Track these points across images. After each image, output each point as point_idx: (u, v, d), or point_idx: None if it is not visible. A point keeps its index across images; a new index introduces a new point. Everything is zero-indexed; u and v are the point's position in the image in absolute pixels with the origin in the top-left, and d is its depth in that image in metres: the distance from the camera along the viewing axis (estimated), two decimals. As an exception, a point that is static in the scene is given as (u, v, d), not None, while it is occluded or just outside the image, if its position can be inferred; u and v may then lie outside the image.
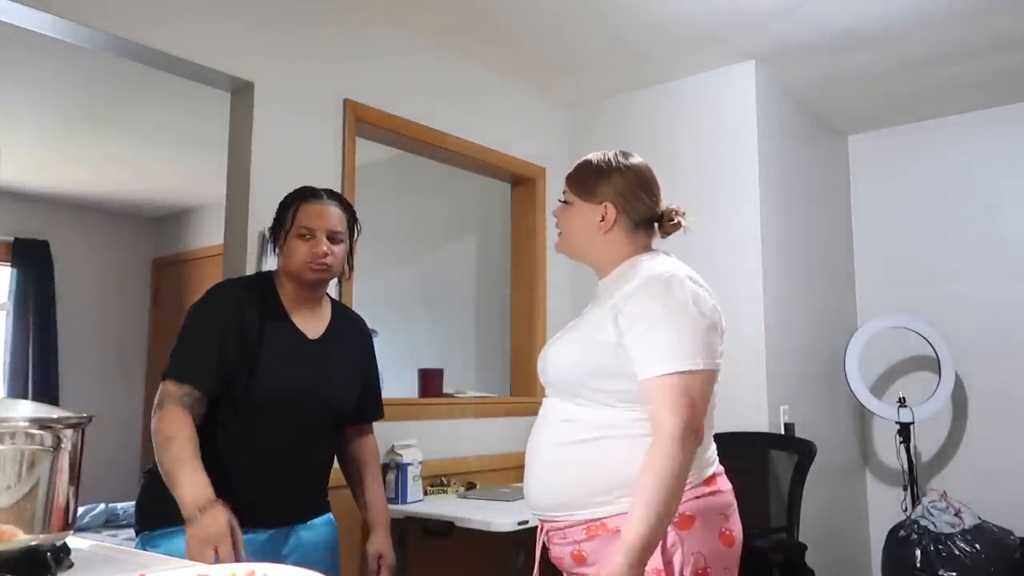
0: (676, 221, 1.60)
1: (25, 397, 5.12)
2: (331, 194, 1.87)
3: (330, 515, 1.94)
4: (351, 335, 1.98)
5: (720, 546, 1.47)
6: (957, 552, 3.14)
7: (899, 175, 4.13)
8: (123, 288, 5.85)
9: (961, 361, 3.73)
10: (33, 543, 1.11)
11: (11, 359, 5.28)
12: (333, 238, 1.81)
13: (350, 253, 1.90)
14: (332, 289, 2.72)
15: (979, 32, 3.09)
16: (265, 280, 1.87)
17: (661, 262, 1.54)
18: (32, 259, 5.39)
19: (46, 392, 5.21)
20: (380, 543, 1.94)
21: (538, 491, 1.55)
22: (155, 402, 1.68)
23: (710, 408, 1.47)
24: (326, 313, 1.92)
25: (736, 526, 1.52)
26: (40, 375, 5.31)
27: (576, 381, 1.50)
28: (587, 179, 1.61)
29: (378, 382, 2.08)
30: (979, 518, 3.25)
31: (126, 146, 4.43)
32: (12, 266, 5.35)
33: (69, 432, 1.16)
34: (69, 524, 1.18)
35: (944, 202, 3.99)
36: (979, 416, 3.82)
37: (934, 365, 3.70)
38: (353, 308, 2.81)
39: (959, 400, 3.85)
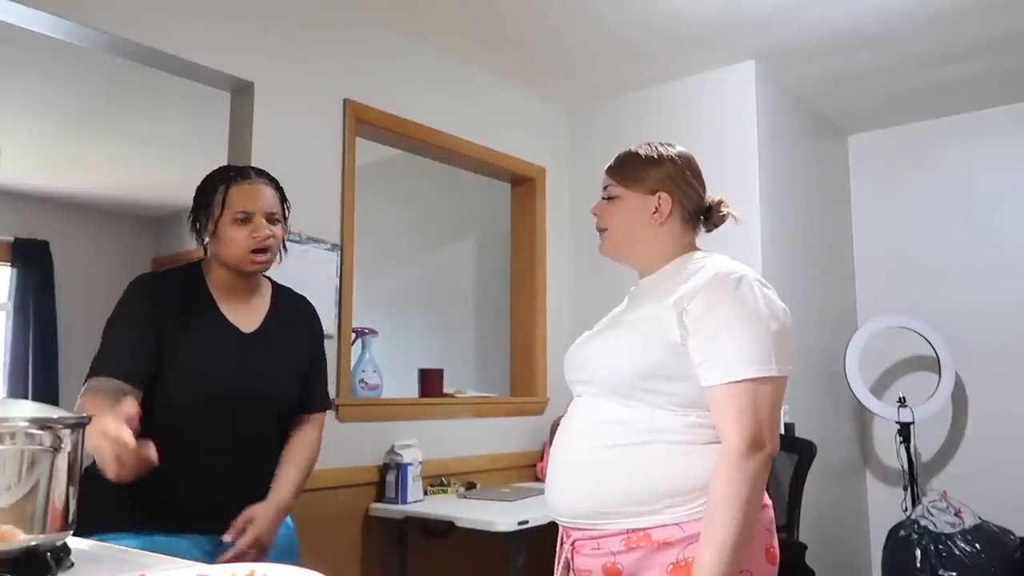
0: (725, 213, 1.50)
1: (25, 397, 5.12)
2: (259, 172, 1.74)
3: (287, 519, 1.78)
4: (295, 323, 1.82)
5: (765, 564, 1.37)
6: (957, 552, 3.14)
7: (899, 175, 4.13)
8: (123, 288, 5.83)
9: (961, 361, 3.72)
10: (33, 543, 1.11)
11: (11, 359, 5.29)
12: (271, 219, 1.68)
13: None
14: (333, 290, 2.73)
15: (979, 32, 3.09)
16: (193, 269, 1.74)
17: (724, 260, 1.44)
18: (32, 259, 5.39)
19: (46, 392, 5.22)
20: (256, 508, 1.66)
21: (569, 496, 1.41)
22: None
23: None
24: (263, 302, 1.77)
25: (777, 543, 1.42)
26: (40, 375, 5.31)
27: (628, 381, 1.38)
28: (635, 168, 1.49)
29: (324, 371, 1.90)
30: (979, 518, 3.24)
31: (126, 146, 4.43)
32: (12, 266, 5.36)
33: (69, 432, 1.16)
34: (69, 524, 1.17)
35: (944, 202, 3.98)
36: (979, 416, 3.82)
37: (934, 365, 3.70)
38: (353, 308, 2.83)
39: (959, 400, 3.84)
